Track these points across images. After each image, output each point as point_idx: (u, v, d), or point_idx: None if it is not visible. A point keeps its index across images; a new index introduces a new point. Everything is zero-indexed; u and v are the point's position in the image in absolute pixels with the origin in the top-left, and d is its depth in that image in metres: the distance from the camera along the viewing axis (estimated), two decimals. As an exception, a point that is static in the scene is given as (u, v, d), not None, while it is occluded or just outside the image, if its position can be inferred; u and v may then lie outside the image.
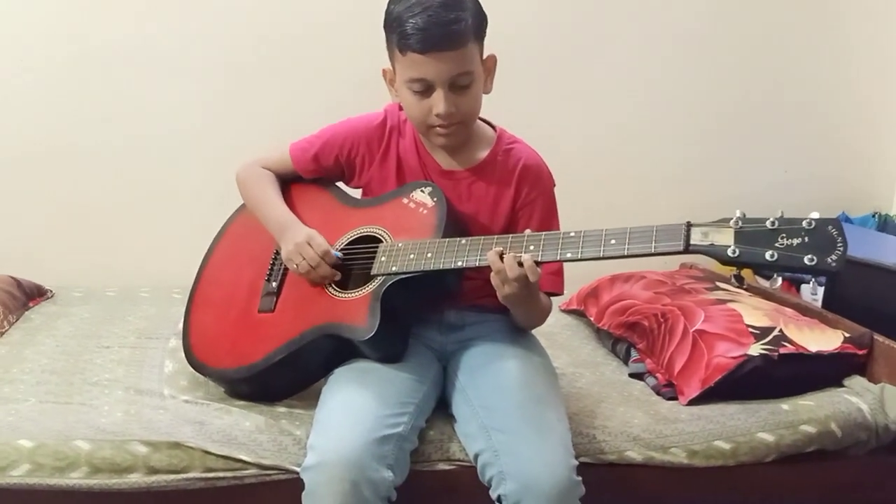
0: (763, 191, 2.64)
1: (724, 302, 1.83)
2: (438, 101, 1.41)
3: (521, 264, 1.31)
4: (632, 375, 1.79)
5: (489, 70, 1.49)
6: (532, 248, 1.33)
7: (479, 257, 1.36)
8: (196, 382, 1.59)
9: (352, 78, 2.36)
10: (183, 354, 1.57)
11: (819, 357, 1.67)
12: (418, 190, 1.49)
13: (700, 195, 2.61)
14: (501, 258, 1.32)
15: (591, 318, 2.06)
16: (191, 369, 1.56)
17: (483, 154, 1.54)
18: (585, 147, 2.60)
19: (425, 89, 1.42)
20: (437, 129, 1.45)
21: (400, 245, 1.43)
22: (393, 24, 1.41)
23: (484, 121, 1.58)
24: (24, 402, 1.52)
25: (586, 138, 2.61)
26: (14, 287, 2.10)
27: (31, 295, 2.17)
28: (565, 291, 1.60)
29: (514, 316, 1.50)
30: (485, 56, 1.47)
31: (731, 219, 1.23)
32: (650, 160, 2.67)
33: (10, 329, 1.94)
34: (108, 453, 1.37)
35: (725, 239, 1.22)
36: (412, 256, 1.40)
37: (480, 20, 1.43)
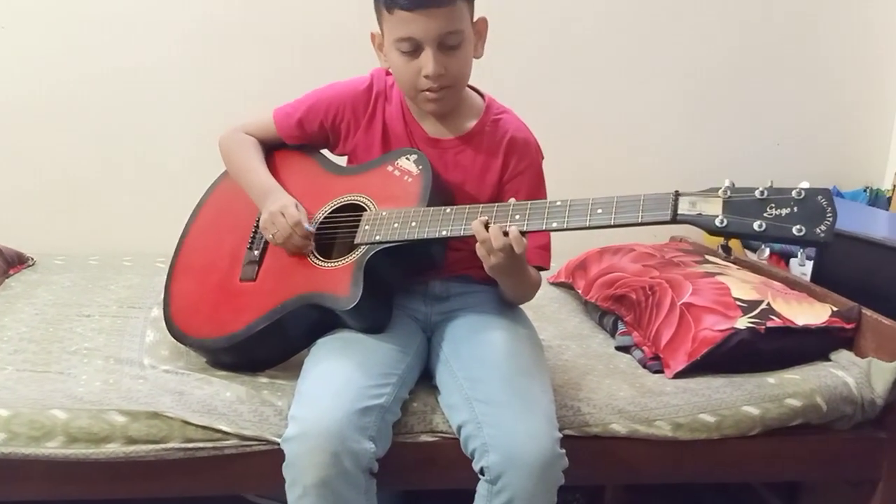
0: (754, 164, 2.61)
1: (712, 275, 1.81)
2: (427, 62, 1.38)
3: (506, 234, 1.29)
4: (618, 348, 1.78)
5: (480, 33, 1.45)
6: (518, 217, 1.31)
7: (463, 227, 1.34)
8: (177, 352, 1.57)
9: (338, 41, 2.33)
10: (164, 324, 1.55)
11: (806, 331, 1.65)
12: (403, 157, 1.46)
13: (690, 166, 2.58)
14: (486, 228, 1.30)
15: (579, 291, 2.04)
16: (172, 339, 1.54)
17: (471, 123, 1.51)
18: (572, 115, 2.56)
19: (413, 49, 1.38)
20: (426, 93, 1.42)
21: (384, 213, 1.41)
22: None
23: (473, 89, 1.55)
24: (0, 371, 1.50)
25: (573, 107, 2.58)
26: (-6, 254, 2.07)
27: (12, 262, 2.14)
28: (553, 264, 1.58)
29: (502, 289, 1.49)
30: (476, 19, 1.43)
31: (720, 188, 1.21)
32: (639, 129, 2.65)
33: (-11, 297, 1.91)
34: (86, 423, 1.35)
35: (713, 209, 1.20)
36: (396, 225, 1.38)
37: None
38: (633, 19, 2.59)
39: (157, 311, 1.69)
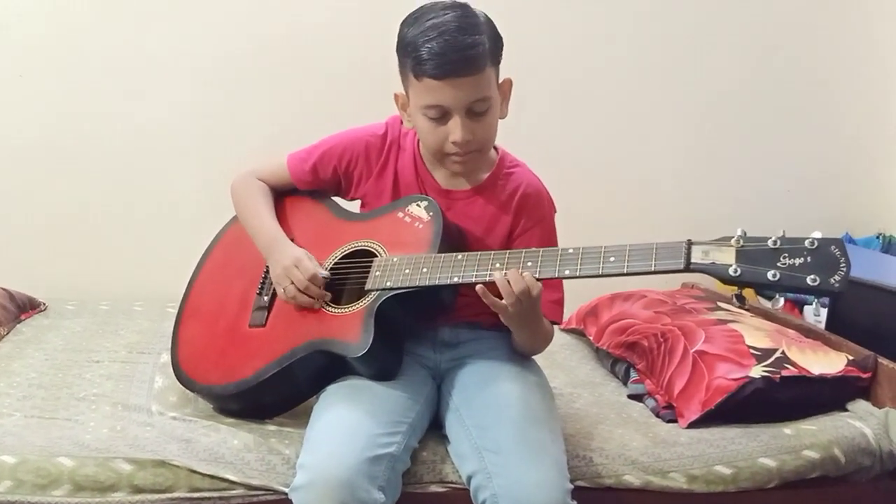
0: (765, 211, 2.61)
1: (725, 322, 1.79)
2: (455, 129, 1.37)
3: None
4: (631, 397, 1.76)
5: (505, 94, 1.45)
6: (530, 263, 1.30)
7: (475, 273, 1.33)
8: (185, 399, 1.56)
9: (352, 90, 2.37)
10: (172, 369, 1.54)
11: (822, 380, 1.63)
12: (414, 204, 1.46)
13: (700, 214, 2.58)
14: (508, 280, 1.29)
15: (591, 338, 2.02)
16: (180, 385, 1.53)
17: (484, 175, 1.51)
18: (584, 162, 2.58)
19: (441, 116, 1.38)
20: (453, 157, 1.42)
21: (395, 260, 1.41)
22: (407, 49, 1.36)
23: None
24: (8, 417, 1.49)
25: (586, 154, 2.59)
26: (6, 299, 2.08)
27: (24, 308, 2.15)
28: (564, 309, 1.57)
29: (515, 340, 1.47)
30: (501, 80, 1.43)
31: (733, 237, 1.21)
32: (651, 178, 2.66)
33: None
34: (92, 471, 1.33)
35: (727, 258, 1.19)
36: (407, 271, 1.37)
37: (497, 43, 1.40)
38: (645, 69, 2.62)
39: (166, 357, 1.68)
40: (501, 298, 1.30)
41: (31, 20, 2.32)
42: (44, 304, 2.23)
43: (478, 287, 1.30)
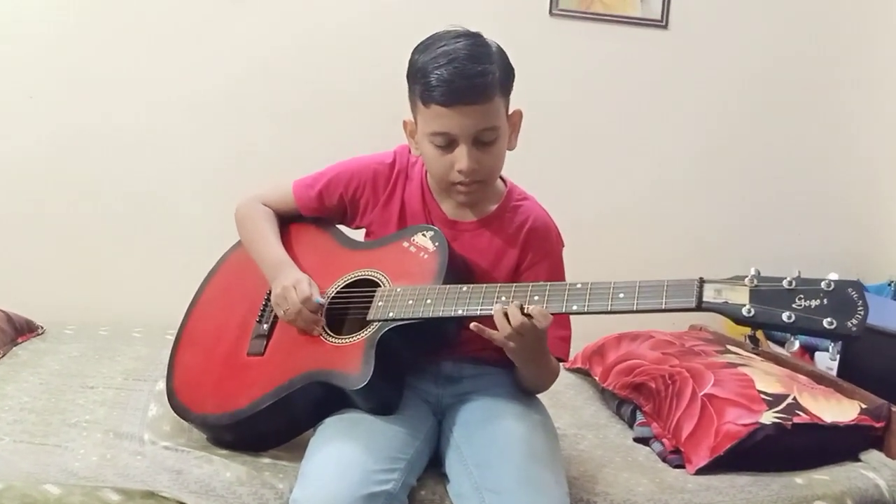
0: (775, 257, 2.58)
1: (735, 366, 1.75)
2: (461, 157, 1.35)
3: (527, 315, 1.25)
4: (637, 440, 1.71)
5: (514, 125, 1.43)
6: (536, 298, 1.27)
7: (480, 306, 1.30)
8: (179, 428, 1.52)
9: (360, 118, 2.37)
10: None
11: (834, 428, 1.59)
12: (420, 234, 1.44)
13: (707, 258, 2.57)
14: (506, 315, 1.26)
15: (596, 378, 1.98)
16: (175, 414, 1.49)
17: (491, 207, 1.49)
18: (595, 206, 2.59)
19: (448, 144, 1.36)
20: (458, 186, 1.40)
21: (398, 290, 1.38)
22: (417, 75, 1.36)
23: None
24: (-3, 441, 1.45)
25: (597, 198, 2.61)
26: (3, 321, 2.05)
27: (21, 330, 2.12)
28: (570, 347, 1.53)
29: (520, 376, 1.44)
30: (511, 111, 1.42)
31: (746, 276, 1.18)
32: (659, 218, 2.66)
33: (-6, 364, 1.88)
34: (78, 500, 1.29)
35: (740, 297, 1.16)
36: (411, 302, 1.34)
37: (508, 74, 1.39)
38: (658, 107, 2.64)
39: (163, 385, 1.64)
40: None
41: (37, 40, 2.32)
42: (42, 327, 2.20)
43: (472, 325, 1.27)
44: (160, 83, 2.38)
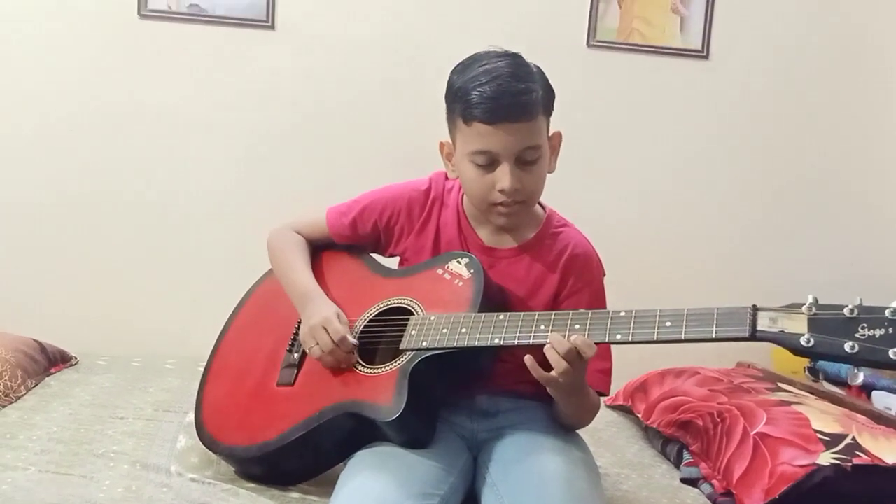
0: (825, 287, 2.51)
1: (788, 404, 1.66)
2: (503, 176, 1.31)
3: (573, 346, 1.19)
4: (684, 481, 1.63)
5: (554, 148, 1.40)
6: (577, 326, 1.21)
7: (518, 335, 1.24)
8: (208, 460, 1.48)
9: (389, 146, 2.38)
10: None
11: (898, 471, 1.48)
12: (454, 261, 1.39)
13: (749, 288, 2.49)
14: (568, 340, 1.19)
15: (640, 416, 1.90)
16: (203, 446, 1.45)
17: (530, 234, 1.44)
18: (634, 236, 2.55)
19: (489, 163, 1.32)
20: (499, 207, 1.35)
21: (432, 318, 1.32)
22: (457, 94, 1.33)
23: None
24: (23, 471, 1.43)
25: (636, 228, 2.58)
26: (37, 351, 2.04)
27: (55, 361, 2.11)
28: (612, 384, 1.46)
29: (559, 411, 1.37)
30: (551, 133, 1.38)
31: (804, 304, 1.10)
32: (699, 251, 2.63)
33: (25, 394, 1.87)
34: (100, 532, 1.25)
35: (798, 326, 1.08)
36: (445, 331, 1.29)
37: (549, 94, 1.36)
38: (699, 138, 2.60)
39: (192, 416, 1.61)
40: (548, 368, 1.21)
41: (70, 68, 2.35)
42: (75, 357, 2.19)
43: (527, 358, 1.21)
44: (192, 114, 2.40)
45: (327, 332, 1.34)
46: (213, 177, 2.42)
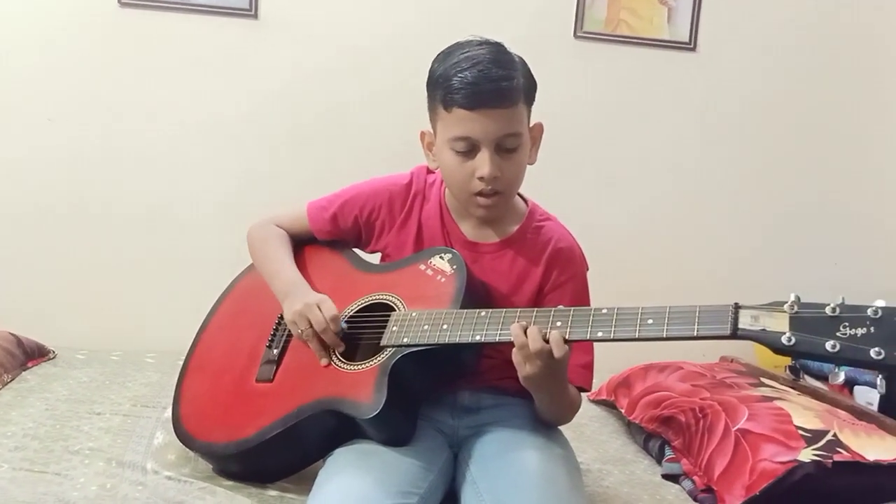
0: (809, 285, 2.52)
1: (770, 399, 1.66)
2: (483, 163, 1.30)
3: (546, 340, 1.17)
4: (665, 476, 1.63)
5: (535, 139, 1.39)
6: (559, 323, 1.20)
7: (499, 332, 1.23)
8: (185, 457, 1.46)
9: (377, 138, 2.36)
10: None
11: (878, 467, 1.49)
12: (437, 256, 1.38)
13: (736, 284, 2.51)
14: (525, 333, 1.19)
15: (622, 410, 1.90)
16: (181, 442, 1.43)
17: (512, 228, 1.43)
18: (619, 228, 2.55)
19: (469, 149, 1.31)
20: (478, 197, 1.34)
21: (413, 314, 1.31)
22: (438, 81, 1.32)
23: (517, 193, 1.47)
24: (-4, 468, 1.40)
25: (621, 220, 2.57)
26: (13, 345, 2.01)
27: (32, 355, 2.08)
28: (594, 380, 1.45)
29: (537, 406, 1.36)
30: (532, 124, 1.37)
31: (786, 302, 1.09)
32: (684, 243, 2.62)
33: (2, 389, 1.83)
34: (73, 532, 1.23)
35: (779, 325, 1.07)
36: (426, 327, 1.27)
37: (531, 84, 1.35)
38: (686, 129, 2.60)
39: (170, 412, 1.59)
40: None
41: (59, 71, 2.32)
42: (53, 351, 2.15)
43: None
44: (177, 107, 2.37)
45: (321, 310, 1.33)
46: (192, 169, 2.40)
